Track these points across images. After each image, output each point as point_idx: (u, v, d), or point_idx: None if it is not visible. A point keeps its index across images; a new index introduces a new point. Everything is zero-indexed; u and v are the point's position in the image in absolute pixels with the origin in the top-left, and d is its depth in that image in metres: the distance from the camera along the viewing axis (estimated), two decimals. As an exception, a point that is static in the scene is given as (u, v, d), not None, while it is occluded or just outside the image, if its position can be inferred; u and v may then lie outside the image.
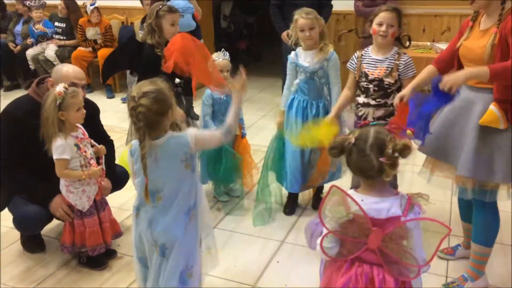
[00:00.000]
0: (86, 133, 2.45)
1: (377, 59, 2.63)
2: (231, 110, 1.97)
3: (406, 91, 2.37)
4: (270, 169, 3.08)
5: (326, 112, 2.90)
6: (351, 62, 2.74)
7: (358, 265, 1.50)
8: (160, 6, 3.22)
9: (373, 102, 2.64)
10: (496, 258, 2.50)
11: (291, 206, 3.14)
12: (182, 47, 2.80)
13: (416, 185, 3.38)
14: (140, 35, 5.75)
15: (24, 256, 2.71)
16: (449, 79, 1.97)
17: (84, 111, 2.36)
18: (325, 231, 1.51)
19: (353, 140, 1.46)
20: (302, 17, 2.81)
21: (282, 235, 2.86)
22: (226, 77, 3.04)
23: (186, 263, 1.94)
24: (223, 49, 3.15)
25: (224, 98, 3.06)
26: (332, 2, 4.87)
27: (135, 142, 1.86)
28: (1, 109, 2.55)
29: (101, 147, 2.49)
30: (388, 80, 2.61)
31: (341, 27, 5.24)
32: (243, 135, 3.22)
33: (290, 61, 2.96)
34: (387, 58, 2.61)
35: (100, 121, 2.80)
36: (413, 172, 3.56)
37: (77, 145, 2.35)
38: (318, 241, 1.53)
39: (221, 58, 3.04)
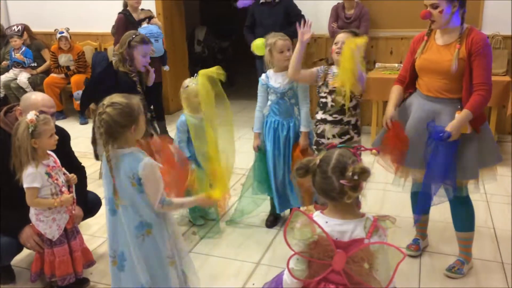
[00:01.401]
0: (58, 161, 2.43)
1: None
2: (187, 199, 2.08)
3: (391, 111, 2.54)
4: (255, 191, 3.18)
5: (297, 132, 2.99)
6: (319, 69, 2.82)
7: (324, 285, 1.51)
8: (133, 36, 3.23)
9: (329, 118, 2.73)
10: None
11: (271, 220, 3.26)
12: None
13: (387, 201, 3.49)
14: (113, 60, 5.81)
15: (-7, 288, 2.64)
16: (454, 134, 2.31)
17: (57, 137, 2.34)
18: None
19: (317, 162, 1.50)
20: (279, 39, 2.90)
21: (257, 256, 2.87)
22: (198, 102, 3.08)
23: (145, 279, 1.95)
24: (196, 74, 3.18)
25: (200, 124, 3.08)
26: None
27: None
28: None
29: (72, 175, 2.48)
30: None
31: (312, 50, 5.36)
32: (217, 159, 3.23)
33: (261, 83, 3.03)
34: None
35: (70, 148, 2.78)
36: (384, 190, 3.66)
37: (48, 173, 2.32)
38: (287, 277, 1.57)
39: (194, 84, 3.07)
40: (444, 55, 2.39)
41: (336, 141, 2.71)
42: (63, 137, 2.69)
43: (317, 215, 1.54)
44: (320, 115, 2.78)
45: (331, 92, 2.73)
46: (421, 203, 2.58)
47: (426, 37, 2.49)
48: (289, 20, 4.82)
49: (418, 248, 2.83)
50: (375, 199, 3.62)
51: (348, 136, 2.74)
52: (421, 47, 2.48)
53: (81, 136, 4.76)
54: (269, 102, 3.02)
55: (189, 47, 7.34)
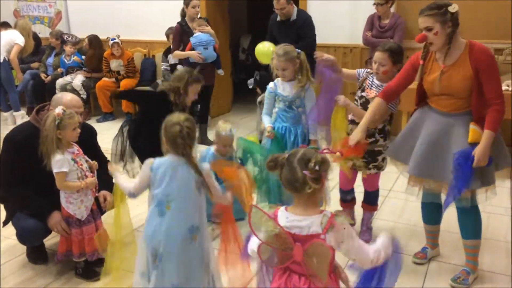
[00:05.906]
0: (80, 149, 2.68)
1: (377, 84, 2.84)
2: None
3: (359, 133, 2.57)
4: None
5: (304, 139, 3.06)
6: (360, 72, 2.96)
7: (288, 274, 1.63)
8: (191, 75, 3.24)
9: (358, 120, 2.79)
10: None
11: None
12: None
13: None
14: (162, 67, 6.09)
15: (27, 267, 2.92)
16: (481, 160, 2.32)
17: (79, 130, 2.59)
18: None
19: (286, 156, 1.63)
20: (275, 58, 2.97)
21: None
22: (228, 150, 3.23)
23: (179, 280, 2.05)
24: (230, 126, 3.24)
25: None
26: (339, 37, 5.28)
27: (157, 160, 2.09)
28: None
29: (94, 162, 2.73)
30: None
31: (347, 59, 5.43)
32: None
33: (269, 91, 3.13)
34: (383, 85, 2.78)
35: (97, 143, 3.04)
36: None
37: (73, 160, 2.59)
38: (254, 247, 1.69)
39: (227, 133, 3.19)
40: (451, 76, 2.40)
41: None
42: (91, 133, 2.98)
43: (281, 211, 1.65)
44: (350, 116, 2.91)
45: (360, 98, 2.88)
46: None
47: (422, 61, 2.48)
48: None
49: (425, 256, 2.85)
50: (394, 208, 3.63)
51: (373, 139, 2.84)
52: (419, 70, 2.49)
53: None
54: (275, 109, 3.11)
55: (234, 55, 7.60)
